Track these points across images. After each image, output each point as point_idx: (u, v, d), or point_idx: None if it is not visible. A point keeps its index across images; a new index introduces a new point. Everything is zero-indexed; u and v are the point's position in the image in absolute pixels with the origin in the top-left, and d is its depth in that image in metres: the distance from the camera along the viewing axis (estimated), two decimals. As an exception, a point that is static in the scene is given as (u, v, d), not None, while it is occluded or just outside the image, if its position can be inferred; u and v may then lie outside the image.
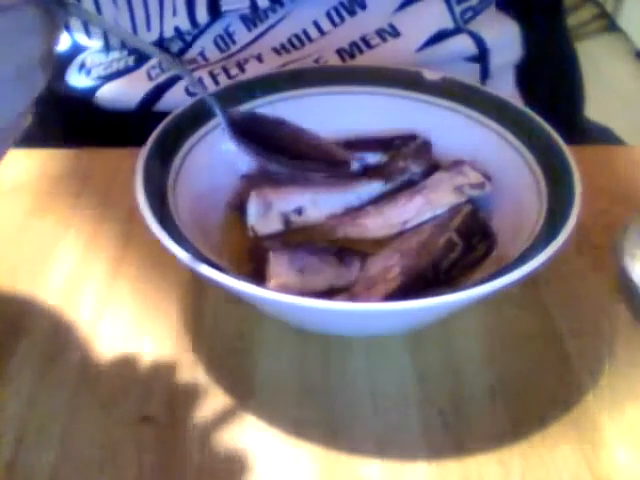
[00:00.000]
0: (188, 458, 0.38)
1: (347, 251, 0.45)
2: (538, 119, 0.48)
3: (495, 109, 0.50)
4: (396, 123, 0.52)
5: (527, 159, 0.47)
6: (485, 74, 0.62)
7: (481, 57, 0.62)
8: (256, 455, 0.38)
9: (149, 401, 0.41)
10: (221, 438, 0.39)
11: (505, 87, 0.64)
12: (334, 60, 0.59)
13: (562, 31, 0.72)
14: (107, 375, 0.42)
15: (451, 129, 0.51)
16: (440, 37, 0.59)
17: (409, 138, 0.51)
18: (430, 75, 0.53)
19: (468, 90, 0.52)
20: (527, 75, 0.65)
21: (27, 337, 0.44)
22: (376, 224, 0.47)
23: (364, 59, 0.59)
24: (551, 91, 0.69)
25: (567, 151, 0.45)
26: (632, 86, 1.89)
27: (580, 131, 0.74)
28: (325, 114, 0.52)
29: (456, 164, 0.49)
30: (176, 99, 0.58)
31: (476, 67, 0.62)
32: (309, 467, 0.38)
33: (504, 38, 0.63)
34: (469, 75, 0.61)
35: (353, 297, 0.42)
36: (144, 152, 0.44)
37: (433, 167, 0.50)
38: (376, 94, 0.53)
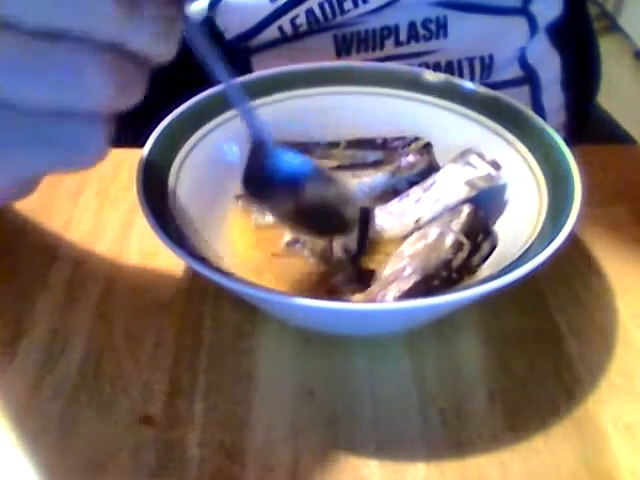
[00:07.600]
0: (188, 458, 0.38)
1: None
2: (538, 119, 0.48)
3: (495, 109, 0.50)
4: (396, 123, 0.52)
5: (527, 159, 0.47)
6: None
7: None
8: (256, 455, 0.38)
9: (149, 401, 0.41)
10: (221, 438, 0.39)
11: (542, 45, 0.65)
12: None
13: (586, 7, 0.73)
14: (107, 375, 0.42)
15: (451, 129, 0.51)
16: None
17: (409, 140, 0.51)
18: (431, 76, 0.53)
19: (468, 90, 0.52)
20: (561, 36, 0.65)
21: (27, 337, 0.44)
22: (390, 224, 0.47)
23: None
24: (577, 61, 0.69)
25: (567, 151, 0.45)
26: (632, 86, 1.89)
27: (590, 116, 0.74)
28: (325, 114, 0.52)
29: (463, 155, 0.48)
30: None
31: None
32: (309, 468, 0.38)
33: None
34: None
35: (369, 298, 0.42)
36: (144, 152, 0.45)
37: (433, 168, 0.50)
38: (376, 94, 0.53)
